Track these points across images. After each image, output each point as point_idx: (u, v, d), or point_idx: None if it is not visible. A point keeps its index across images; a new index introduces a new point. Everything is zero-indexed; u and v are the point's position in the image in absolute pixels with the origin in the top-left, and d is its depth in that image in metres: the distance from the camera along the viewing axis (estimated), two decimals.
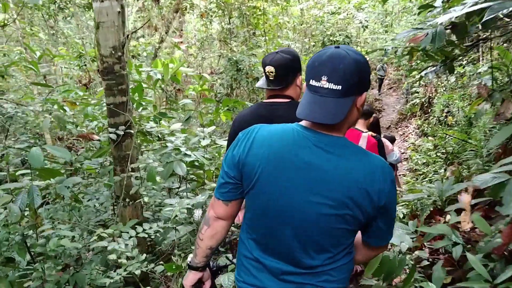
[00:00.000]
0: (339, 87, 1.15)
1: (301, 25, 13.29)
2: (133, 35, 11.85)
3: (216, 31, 13.56)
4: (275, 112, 2.04)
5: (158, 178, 2.92)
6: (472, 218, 1.62)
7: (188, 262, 1.51)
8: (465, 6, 1.93)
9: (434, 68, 3.16)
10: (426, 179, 6.09)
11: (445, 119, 8.97)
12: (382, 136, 4.27)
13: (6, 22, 3.39)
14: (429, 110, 10.33)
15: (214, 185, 4.67)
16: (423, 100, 10.80)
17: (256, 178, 1.26)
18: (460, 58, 3.36)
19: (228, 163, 1.33)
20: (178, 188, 4.16)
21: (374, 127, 3.81)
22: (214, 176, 5.15)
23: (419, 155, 8.17)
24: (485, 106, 2.45)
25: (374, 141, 3.29)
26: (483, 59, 8.04)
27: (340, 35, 12.40)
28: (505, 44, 5.08)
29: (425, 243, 2.44)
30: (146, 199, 2.72)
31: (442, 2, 2.92)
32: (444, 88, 9.87)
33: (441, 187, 2.60)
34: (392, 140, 5.71)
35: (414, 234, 2.37)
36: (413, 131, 10.79)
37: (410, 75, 10.22)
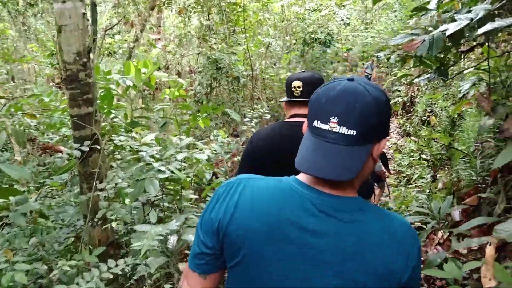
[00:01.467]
0: (353, 132, 0.88)
1: (282, 22, 13.03)
2: (108, 32, 11.40)
3: (195, 28, 13.18)
4: (298, 132, 1.85)
5: (127, 201, 2.63)
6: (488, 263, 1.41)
7: None
8: (478, 12, 1.72)
9: (428, 75, 2.96)
10: (412, 184, 5.94)
11: (427, 119, 8.87)
12: None
13: None
14: (411, 109, 10.24)
15: (192, 195, 4.41)
16: (405, 99, 10.70)
17: (242, 255, 0.96)
18: (454, 64, 3.17)
19: (205, 228, 1.02)
20: (155, 197, 3.91)
21: None
22: (192, 183, 4.87)
23: (402, 156, 8.05)
24: (487, 122, 2.25)
25: None
26: (464, 58, 7.96)
27: (321, 32, 12.19)
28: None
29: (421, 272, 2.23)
30: (114, 224, 2.43)
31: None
32: (426, 87, 9.77)
33: (438, 208, 2.39)
34: None
35: None
36: (395, 130, 10.70)
37: (402, 79, 10.10)
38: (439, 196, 3.80)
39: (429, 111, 8.97)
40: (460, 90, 5.37)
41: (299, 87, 1.96)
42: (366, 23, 19.27)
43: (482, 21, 2.14)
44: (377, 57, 2.99)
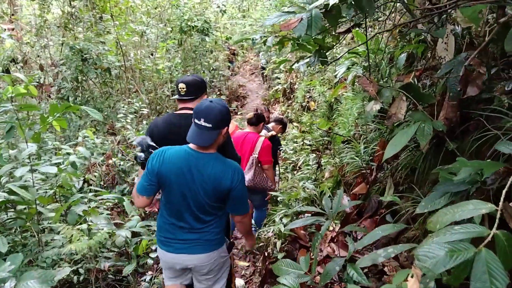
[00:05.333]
0: (210, 125, 2.12)
1: (156, 8, 12.22)
2: None
3: (56, 16, 11.65)
4: (184, 121, 2.58)
5: None
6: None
7: None
8: None
9: (308, 59, 2.72)
10: (299, 172, 5.88)
11: (307, 105, 9.04)
12: (274, 118, 5.40)
13: None
14: (292, 95, 10.40)
15: (52, 214, 3.71)
16: (285, 86, 10.83)
17: (169, 181, 2.20)
18: (333, 47, 2.99)
19: (150, 172, 2.21)
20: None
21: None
22: (58, 196, 4.08)
23: (287, 143, 8.05)
24: (374, 107, 2.06)
25: (268, 143, 4.25)
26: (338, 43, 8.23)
27: (198, 20, 11.70)
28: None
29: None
30: None
31: None
32: (304, 73, 9.97)
33: (329, 205, 2.16)
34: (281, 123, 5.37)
35: (307, 274, 1.87)
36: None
37: (280, 67, 10.06)
38: (326, 185, 3.70)
39: (308, 96, 9.15)
40: (335, 75, 5.40)
41: (183, 88, 2.65)
42: (243, 10, 19.31)
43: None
44: (252, 40, 2.66)
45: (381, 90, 2.07)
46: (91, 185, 5.79)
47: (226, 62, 15.06)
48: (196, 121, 2.11)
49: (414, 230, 2.23)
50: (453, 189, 1.52)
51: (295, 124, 9.04)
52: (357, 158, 3.36)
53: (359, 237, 2.68)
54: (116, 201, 4.04)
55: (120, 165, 6.45)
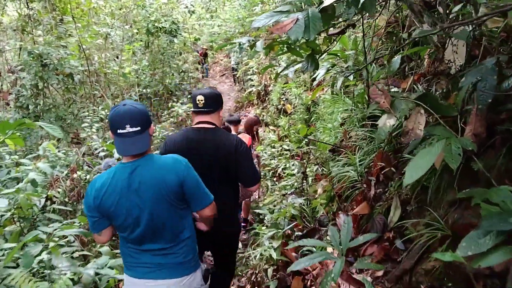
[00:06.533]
0: (138, 128, 1.93)
1: (120, 9, 11.66)
2: None
3: (13, 18, 10.92)
4: (202, 135, 2.52)
5: None
6: None
7: None
8: None
9: (301, 64, 2.40)
10: (281, 180, 5.57)
11: (283, 107, 8.75)
12: (226, 119, 5.06)
13: None
14: (266, 98, 10.09)
15: (9, 244, 3.32)
16: (259, 88, 10.50)
17: (111, 210, 1.95)
18: (326, 51, 2.69)
19: (89, 209, 2.01)
20: None
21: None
22: (17, 219, 3.63)
23: (264, 148, 7.73)
24: (388, 122, 1.77)
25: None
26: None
27: (166, 21, 11.22)
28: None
29: None
30: None
31: None
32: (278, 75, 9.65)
33: (337, 237, 1.84)
34: (237, 121, 4.98)
35: None
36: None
37: (254, 68, 9.71)
38: (319, 201, 3.40)
39: (283, 99, 8.87)
40: (314, 77, 5.11)
41: (201, 100, 2.52)
42: (211, 11, 18.89)
43: None
44: (240, 45, 2.30)
45: (394, 101, 1.78)
46: (54, 202, 5.30)
47: (196, 64, 14.62)
48: (121, 130, 1.89)
49: (432, 262, 1.96)
50: (503, 226, 1.24)
51: (271, 127, 8.73)
52: (353, 171, 3.07)
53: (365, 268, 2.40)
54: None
55: (85, 178, 5.95)
